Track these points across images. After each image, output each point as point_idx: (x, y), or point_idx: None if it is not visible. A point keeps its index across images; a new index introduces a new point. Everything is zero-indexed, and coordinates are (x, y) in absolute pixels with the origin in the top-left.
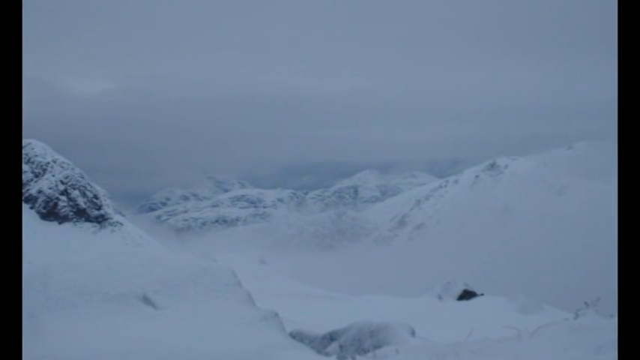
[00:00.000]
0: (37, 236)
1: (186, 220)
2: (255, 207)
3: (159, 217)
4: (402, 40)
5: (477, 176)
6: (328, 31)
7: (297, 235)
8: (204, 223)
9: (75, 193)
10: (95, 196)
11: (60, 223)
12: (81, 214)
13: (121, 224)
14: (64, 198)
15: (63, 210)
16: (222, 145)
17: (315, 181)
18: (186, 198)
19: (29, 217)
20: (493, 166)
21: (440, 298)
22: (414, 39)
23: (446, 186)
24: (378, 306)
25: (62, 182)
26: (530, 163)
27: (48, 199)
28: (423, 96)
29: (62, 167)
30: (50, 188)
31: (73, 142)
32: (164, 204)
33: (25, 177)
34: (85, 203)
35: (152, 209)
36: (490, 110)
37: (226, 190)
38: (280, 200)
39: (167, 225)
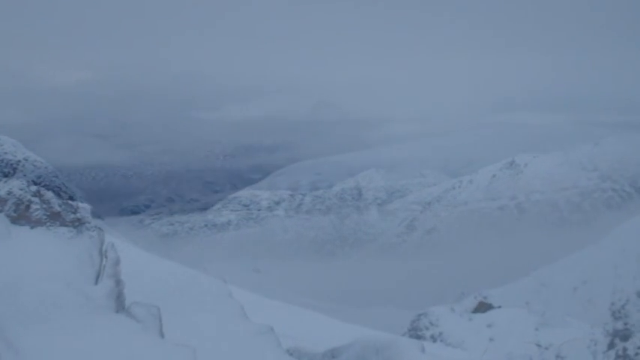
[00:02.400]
0: (6, 242)
1: (172, 224)
2: (248, 210)
3: (141, 220)
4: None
5: (494, 175)
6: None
7: (294, 240)
8: (191, 228)
9: (48, 195)
10: (71, 198)
11: (32, 227)
12: (55, 218)
13: (100, 229)
14: (36, 200)
15: (35, 213)
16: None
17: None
18: (171, 200)
19: None
20: (512, 164)
21: (453, 310)
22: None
23: (459, 187)
24: (385, 320)
25: (34, 182)
26: (552, 160)
27: (19, 202)
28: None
29: (34, 166)
30: (21, 189)
31: (46, 138)
32: (147, 206)
33: None
34: (60, 206)
35: (134, 212)
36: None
37: (216, 192)
38: (276, 203)
39: (151, 229)
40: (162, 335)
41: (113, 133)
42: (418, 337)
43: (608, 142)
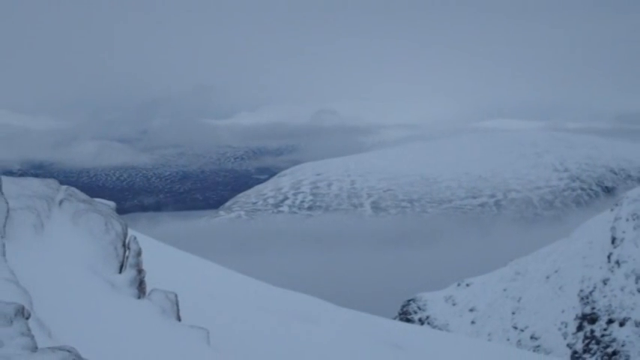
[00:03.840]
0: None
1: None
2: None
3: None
4: None
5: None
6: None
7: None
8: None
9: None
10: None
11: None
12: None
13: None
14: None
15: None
16: None
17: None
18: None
19: None
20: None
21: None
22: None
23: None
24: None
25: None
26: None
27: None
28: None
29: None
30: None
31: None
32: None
33: None
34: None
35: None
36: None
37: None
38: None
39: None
40: (179, 318)
41: (135, 138)
42: (408, 320)
43: (577, 146)
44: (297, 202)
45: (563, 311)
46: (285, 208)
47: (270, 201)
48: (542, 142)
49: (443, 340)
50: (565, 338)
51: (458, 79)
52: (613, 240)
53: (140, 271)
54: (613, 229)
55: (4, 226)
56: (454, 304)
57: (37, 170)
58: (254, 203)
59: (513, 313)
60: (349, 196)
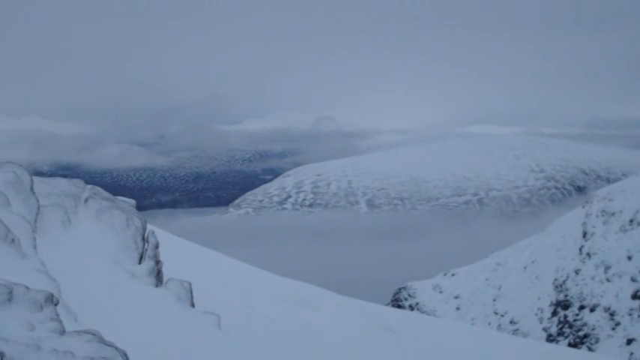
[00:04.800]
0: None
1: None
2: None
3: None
4: None
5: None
6: None
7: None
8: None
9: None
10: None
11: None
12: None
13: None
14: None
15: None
16: None
17: None
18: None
19: None
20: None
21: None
22: None
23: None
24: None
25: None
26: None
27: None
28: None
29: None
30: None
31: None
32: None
33: None
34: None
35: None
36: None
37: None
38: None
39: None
40: (192, 305)
41: (153, 142)
42: (399, 307)
43: (552, 149)
44: (300, 200)
45: (539, 298)
46: (288, 206)
47: (275, 199)
48: (520, 145)
49: (431, 325)
50: (541, 323)
51: (444, 89)
52: (584, 234)
53: (158, 262)
54: (584, 224)
55: (35, 222)
56: (441, 292)
57: (65, 171)
58: (260, 201)
59: (494, 300)
60: (346, 195)
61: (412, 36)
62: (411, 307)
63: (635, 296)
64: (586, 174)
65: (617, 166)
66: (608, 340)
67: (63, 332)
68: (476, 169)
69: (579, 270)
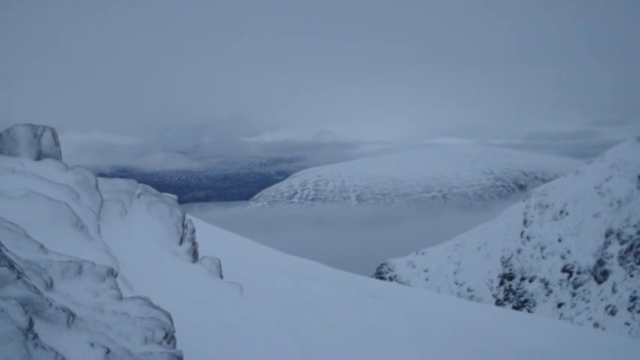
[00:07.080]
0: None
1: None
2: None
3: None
4: None
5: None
6: None
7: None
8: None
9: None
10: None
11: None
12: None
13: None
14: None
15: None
16: None
17: None
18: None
19: None
20: (441, 171)
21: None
22: None
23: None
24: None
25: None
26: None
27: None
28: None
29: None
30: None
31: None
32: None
33: None
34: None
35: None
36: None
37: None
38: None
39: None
40: (221, 277)
41: (191, 151)
42: (381, 278)
43: (500, 156)
44: (304, 195)
45: (489, 272)
46: (295, 200)
47: (285, 195)
48: (475, 153)
49: (406, 292)
50: (491, 290)
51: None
52: (524, 222)
53: (194, 244)
54: (525, 214)
55: (99, 213)
56: (414, 267)
57: (122, 173)
58: (274, 196)
59: (455, 273)
60: (340, 191)
61: (393, 68)
62: (390, 279)
63: (564, 270)
64: (526, 175)
65: (551, 169)
66: (543, 304)
67: (120, 298)
68: (441, 171)
69: (521, 250)
